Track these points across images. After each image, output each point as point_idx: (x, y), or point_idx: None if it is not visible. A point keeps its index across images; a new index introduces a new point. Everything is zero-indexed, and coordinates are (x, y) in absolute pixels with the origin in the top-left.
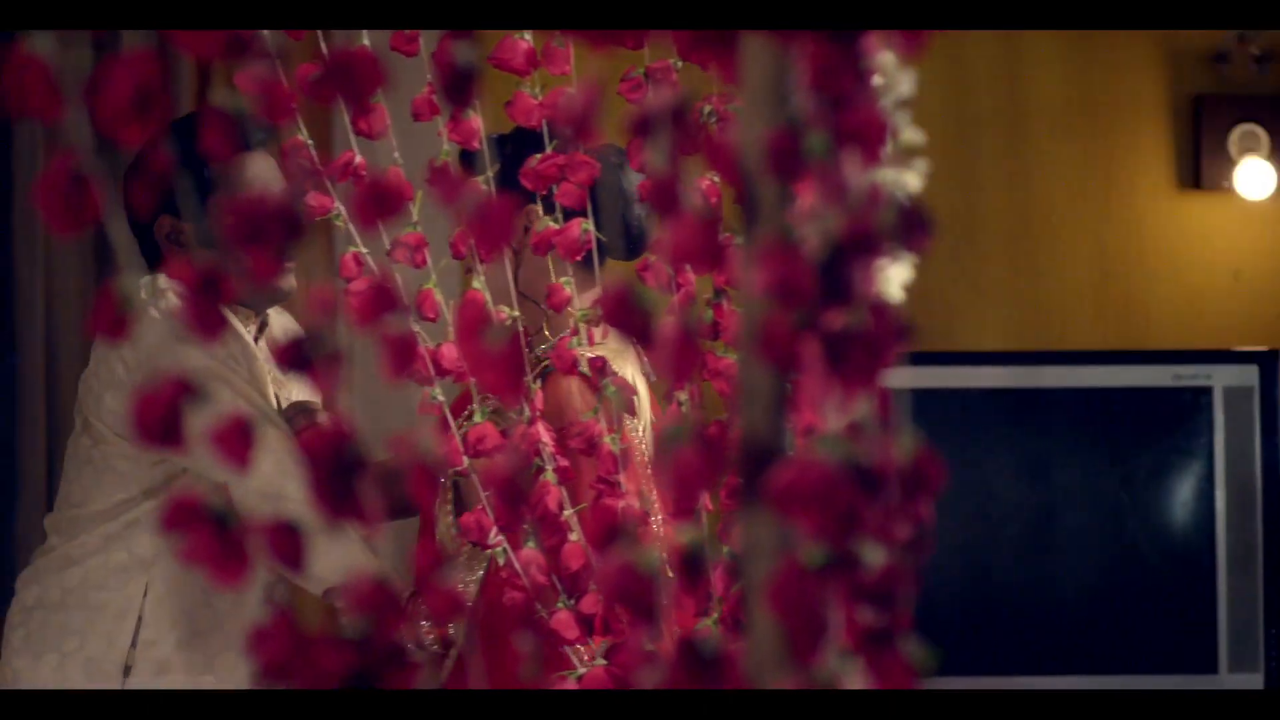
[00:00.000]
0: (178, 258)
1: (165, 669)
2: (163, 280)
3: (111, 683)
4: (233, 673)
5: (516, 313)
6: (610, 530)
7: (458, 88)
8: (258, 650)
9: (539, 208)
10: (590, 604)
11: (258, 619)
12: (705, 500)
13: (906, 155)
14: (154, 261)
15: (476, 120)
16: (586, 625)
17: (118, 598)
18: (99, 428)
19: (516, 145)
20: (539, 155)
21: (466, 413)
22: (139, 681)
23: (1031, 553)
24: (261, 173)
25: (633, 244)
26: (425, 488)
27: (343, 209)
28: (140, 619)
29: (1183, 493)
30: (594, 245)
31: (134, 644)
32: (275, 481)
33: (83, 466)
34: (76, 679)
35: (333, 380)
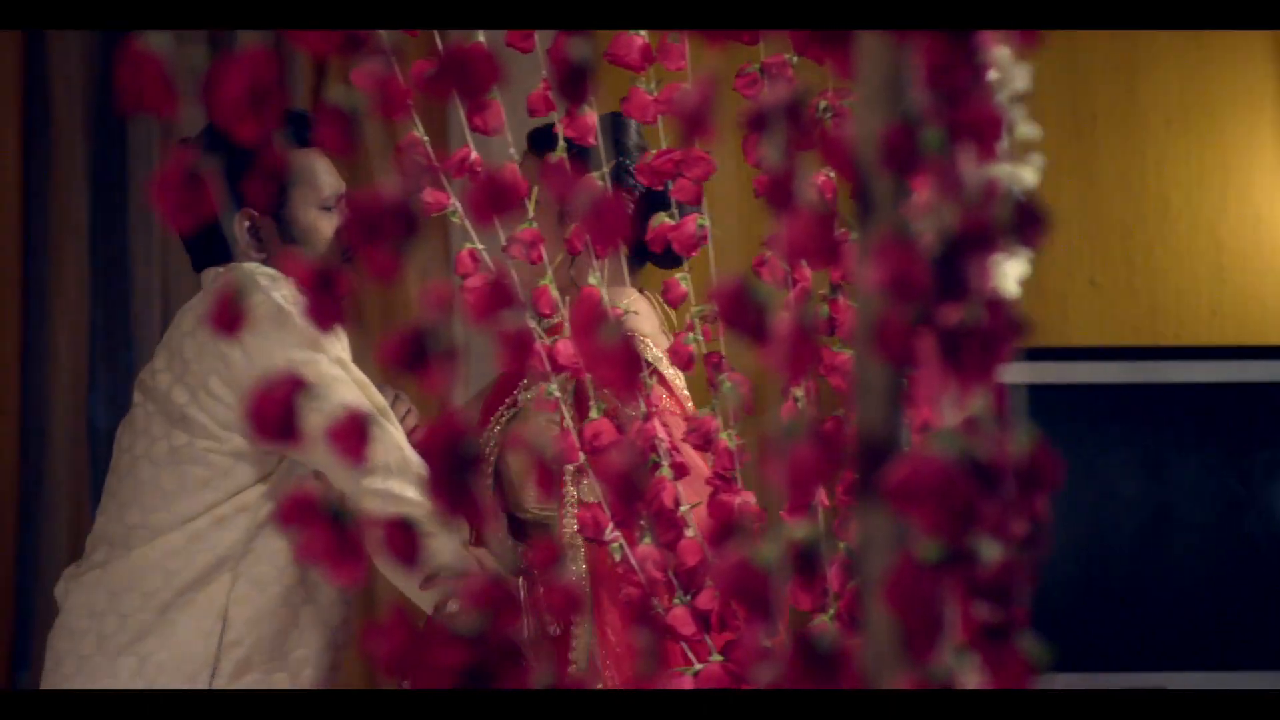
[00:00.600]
0: (256, 252)
1: (245, 668)
2: (272, 271)
3: (197, 684)
4: (303, 671)
5: (636, 310)
6: (726, 526)
7: (573, 83)
8: (375, 646)
9: None
10: (707, 600)
11: (330, 618)
12: (822, 496)
13: (1022, 150)
14: (208, 259)
15: (592, 116)
16: (703, 621)
17: (200, 597)
18: (199, 420)
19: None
20: (654, 150)
21: (506, 403)
22: (220, 682)
23: (1148, 548)
24: (325, 169)
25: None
26: (545, 483)
27: (458, 205)
28: (225, 619)
29: None
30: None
31: (219, 644)
32: (390, 477)
33: (162, 468)
34: (161, 681)
35: (448, 376)
